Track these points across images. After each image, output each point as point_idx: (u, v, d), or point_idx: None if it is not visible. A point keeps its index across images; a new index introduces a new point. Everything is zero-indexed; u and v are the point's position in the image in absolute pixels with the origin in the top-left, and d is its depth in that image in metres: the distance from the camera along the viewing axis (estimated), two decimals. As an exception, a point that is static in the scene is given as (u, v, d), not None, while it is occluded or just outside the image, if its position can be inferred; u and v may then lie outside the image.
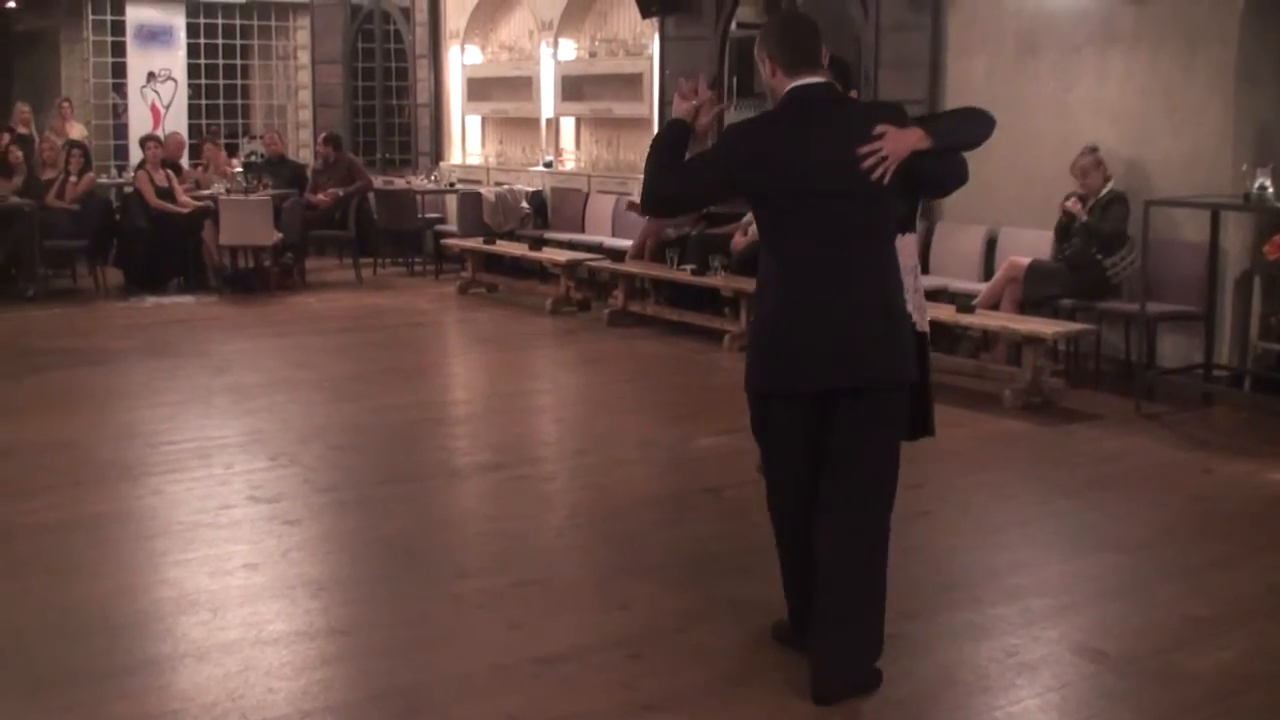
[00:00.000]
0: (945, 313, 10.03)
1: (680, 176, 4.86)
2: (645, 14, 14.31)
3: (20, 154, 15.27)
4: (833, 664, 4.74)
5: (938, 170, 4.83)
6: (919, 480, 7.61)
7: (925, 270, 11.47)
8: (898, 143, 4.61)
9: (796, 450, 4.84)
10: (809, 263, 4.73)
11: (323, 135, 16.80)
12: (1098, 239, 9.88)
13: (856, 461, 4.77)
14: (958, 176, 4.92)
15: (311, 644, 5.28)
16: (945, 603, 5.67)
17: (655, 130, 14.04)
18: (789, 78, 4.78)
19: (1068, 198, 10.12)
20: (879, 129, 4.62)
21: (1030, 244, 10.56)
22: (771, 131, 4.81)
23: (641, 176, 5.00)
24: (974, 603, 5.68)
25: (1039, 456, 8.35)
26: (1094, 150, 10.06)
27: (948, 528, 6.81)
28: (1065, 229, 10.11)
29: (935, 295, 10.88)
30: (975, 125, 4.93)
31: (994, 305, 10.23)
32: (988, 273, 10.98)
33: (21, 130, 16.95)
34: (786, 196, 4.74)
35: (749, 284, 11.46)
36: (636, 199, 11.15)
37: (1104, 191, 9.99)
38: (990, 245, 11.20)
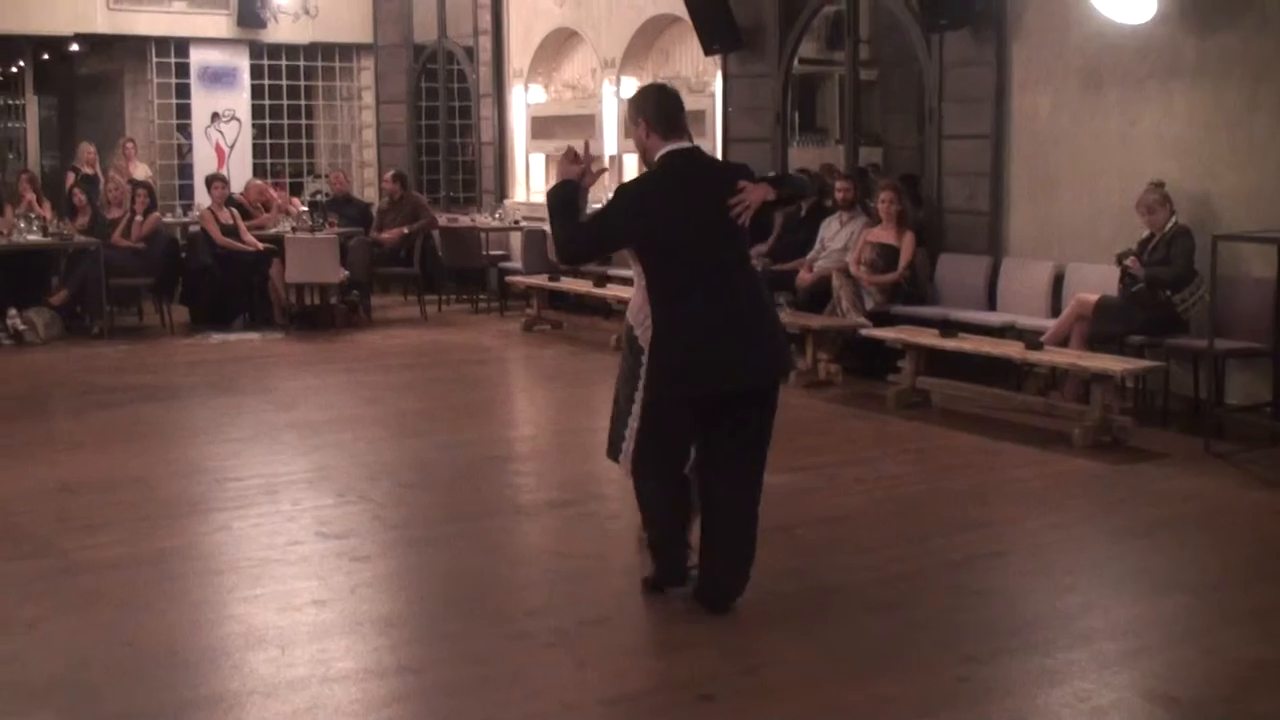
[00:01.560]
0: (1014, 349, 10.00)
1: (589, 232, 5.99)
2: (708, 51, 14.35)
3: (84, 195, 15.45)
4: (737, 579, 5.97)
5: (769, 219, 6.43)
6: (989, 520, 7.61)
7: (993, 306, 11.48)
8: (755, 195, 5.80)
9: (689, 430, 5.94)
10: (701, 290, 5.80)
11: (391, 173, 16.88)
12: (1163, 284, 9.80)
13: (759, 441, 5.96)
14: (772, 229, 6.67)
15: (380, 681, 5.29)
16: (1017, 646, 5.61)
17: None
18: (664, 141, 5.91)
19: (1125, 255, 10.03)
20: (740, 184, 5.81)
21: (1098, 279, 10.48)
22: (659, 189, 5.93)
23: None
24: (1045, 646, 5.61)
25: (1108, 496, 8.27)
26: (1160, 186, 9.98)
27: (1018, 569, 6.75)
28: (1131, 277, 10.01)
29: (1002, 332, 10.87)
30: (801, 188, 6.56)
31: (1062, 342, 10.17)
32: (1055, 309, 10.91)
33: (87, 170, 17.16)
34: (676, 240, 5.80)
35: (815, 320, 11.49)
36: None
37: (1168, 227, 9.91)
38: (1058, 281, 11.13)
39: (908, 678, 5.27)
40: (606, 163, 14.54)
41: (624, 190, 6.11)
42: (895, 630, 5.76)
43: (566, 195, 6.02)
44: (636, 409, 6.05)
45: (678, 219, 5.79)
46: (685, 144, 5.94)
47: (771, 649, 5.60)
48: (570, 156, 6.09)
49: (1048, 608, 6.17)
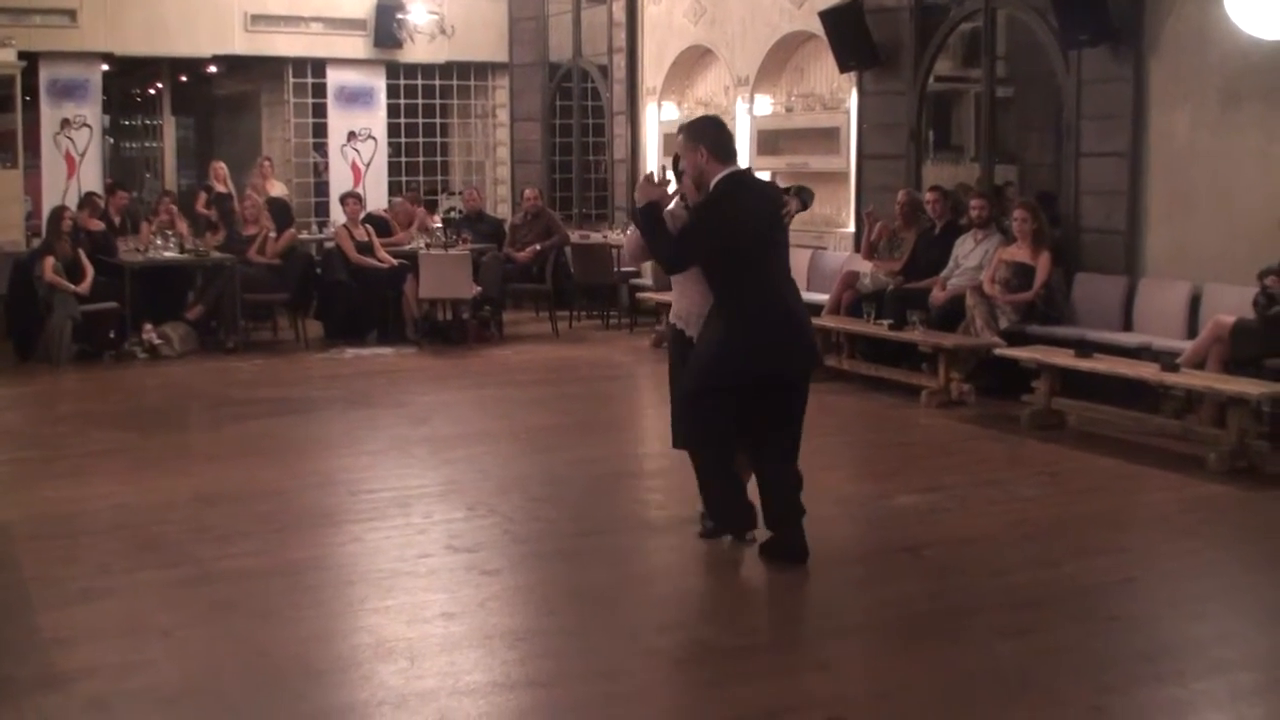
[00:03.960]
0: (1149, 371, 9.83)
1: (687, 247, 6.94)
2: (843, 68, 14.29)
3: (214, 212, 15.70)
4: (800, 535, 6.92)
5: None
6: (1122, 545, 7.50)
7: (1129, 327, 11.31)
8: (794, 205, 7.05)
9: (734, 409, 6.86)
10: (768, 287, 6.91)
11: (536, 189, 17.05)
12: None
13: (800, 419, 7.02)
14: None
15: (509, 695, 5.33)
16: (1148, 675, 5.52)
17: (853, 184, 14.45)
18: (722, 166, 6.94)
19: (1265, 275, 9.82)
20: (785, 197, 7.07)
21: (1235, 301, 10.26)
22: (730, 207, 6.87)
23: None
24: (1178, 676, 5.52)
25: (1243, 523, 8.11)
26: (1302, 205, 9.79)
27: (1151, 596, 6.65)
28: (1267, 299, 9.80)
29: (1138, 353, 10.69)
30: (810, 198, 7.45)
31: (1199, 364, 9.98)
32: (1192, 330, 10.71)
33: (219, 188, 17.43)
34: (747, 246, 6.86)
35: (948, 339, 11.38)
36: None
37: (1306, 247, 9.72)
38: (1195, 302, 10.93)
39: (1041, 707, 5.21)
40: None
41: (703, 211, 6.94)
42: (1027, 656, 5.70)
43: (655, 215, 7.00)
44: None
45: (746, 229, 6.86)
46: (738, 166, 7.08)
47: (903, 673, 5.57)
48: (651, 181, 7.09)
49: (1181, 636, 6.06)
